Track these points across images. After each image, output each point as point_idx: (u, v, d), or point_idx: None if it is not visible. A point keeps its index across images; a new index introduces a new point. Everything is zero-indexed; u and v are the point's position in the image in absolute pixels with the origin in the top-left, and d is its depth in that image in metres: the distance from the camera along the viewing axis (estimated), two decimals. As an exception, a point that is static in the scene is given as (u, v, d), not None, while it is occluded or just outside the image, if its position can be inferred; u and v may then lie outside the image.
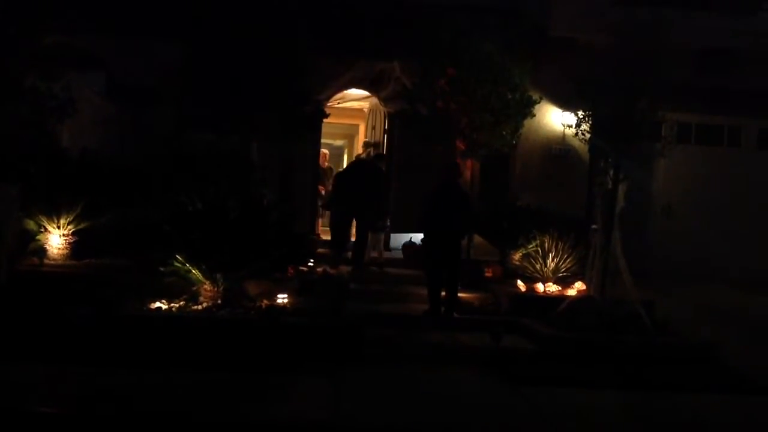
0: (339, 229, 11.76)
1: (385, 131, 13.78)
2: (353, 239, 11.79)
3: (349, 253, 11.68)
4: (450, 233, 9.77)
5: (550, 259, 10.64)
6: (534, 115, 11.81)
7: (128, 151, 11.01)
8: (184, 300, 8.69)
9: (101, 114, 11.48)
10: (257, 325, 8.32)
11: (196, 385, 7.25)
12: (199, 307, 8.61)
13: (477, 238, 11.44)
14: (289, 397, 7.17)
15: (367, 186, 11.59)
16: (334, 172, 13.56)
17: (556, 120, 12.74)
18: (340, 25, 11.62)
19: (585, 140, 10.22)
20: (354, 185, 11.60)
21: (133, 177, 9.99)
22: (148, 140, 11.08)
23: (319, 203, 13.31)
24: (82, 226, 9.59)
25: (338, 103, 14.09)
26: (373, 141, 14.73)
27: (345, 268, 11.05)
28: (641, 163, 10.22)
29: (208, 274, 8.67)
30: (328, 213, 13.28)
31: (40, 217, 9.50)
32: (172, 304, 8.59)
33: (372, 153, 14.22)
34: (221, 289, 8.72)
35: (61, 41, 11.25)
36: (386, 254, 12.23)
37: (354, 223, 11.68)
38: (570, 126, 10.23)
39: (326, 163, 14.64)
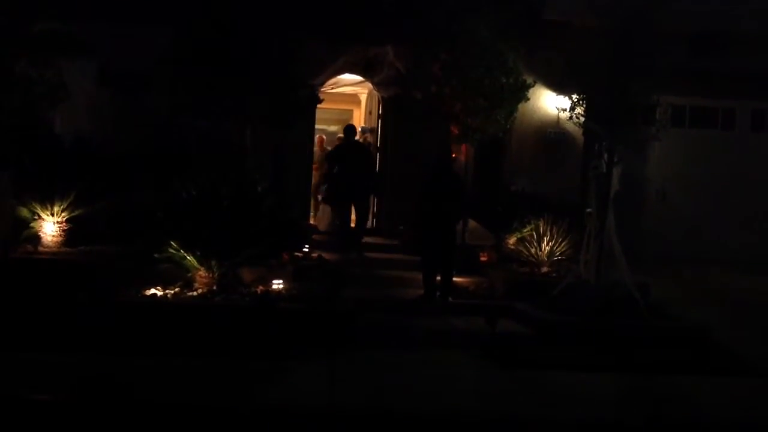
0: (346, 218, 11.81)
1: (379, 116, 13.74)
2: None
3: None
4: (444, 218, 9.77)
5: (545, 243, 10.67)
6: (528, 99, 11.77)
7: (121, 137, 10.96)
8: (178, 287, 8.67)
9: (94, 101, 11.40)
10: (252, 311, 8.31)
11: (190, 370, 7.26)
12: (194, 293, 8.59)
13: (472, 223, 11.44)
14: (284, 382, 7.18)
15: (365, 169, 11.70)
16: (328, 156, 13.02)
17: (550, 104, 12.71)
18: (333, 10, 11.54)
19: (579, 124, 10.18)
20: (353, 170, 11.59)
21: (126, 164, 9.95)
22: (141, 127, 11.05)
23: (319, 197, 13.08)
24: (75, 213, 9.56)
25: (332, 88, 14.04)
26: (369, 126, 14.69)
27: (339, 254, 11.05)
28: (636, 146, 10.20)
29: (203, 261, 8.66)
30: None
31: (33, 204, 9.46)
32: (166, 291, 8.57)
33: (368, 138, 14.18)
34: (216, 275, 8.70)
35: (51, 28, 11.14)
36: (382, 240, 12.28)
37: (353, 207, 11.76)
38: (564, 110, 10.19)
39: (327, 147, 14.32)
